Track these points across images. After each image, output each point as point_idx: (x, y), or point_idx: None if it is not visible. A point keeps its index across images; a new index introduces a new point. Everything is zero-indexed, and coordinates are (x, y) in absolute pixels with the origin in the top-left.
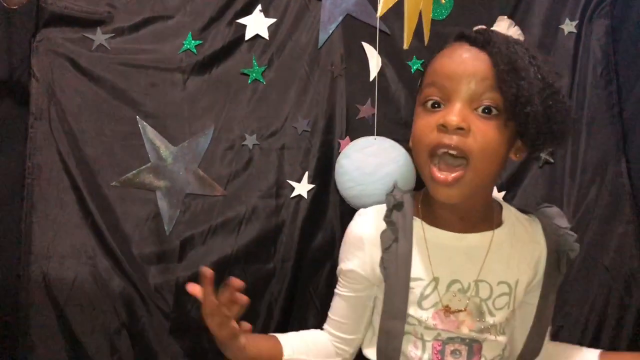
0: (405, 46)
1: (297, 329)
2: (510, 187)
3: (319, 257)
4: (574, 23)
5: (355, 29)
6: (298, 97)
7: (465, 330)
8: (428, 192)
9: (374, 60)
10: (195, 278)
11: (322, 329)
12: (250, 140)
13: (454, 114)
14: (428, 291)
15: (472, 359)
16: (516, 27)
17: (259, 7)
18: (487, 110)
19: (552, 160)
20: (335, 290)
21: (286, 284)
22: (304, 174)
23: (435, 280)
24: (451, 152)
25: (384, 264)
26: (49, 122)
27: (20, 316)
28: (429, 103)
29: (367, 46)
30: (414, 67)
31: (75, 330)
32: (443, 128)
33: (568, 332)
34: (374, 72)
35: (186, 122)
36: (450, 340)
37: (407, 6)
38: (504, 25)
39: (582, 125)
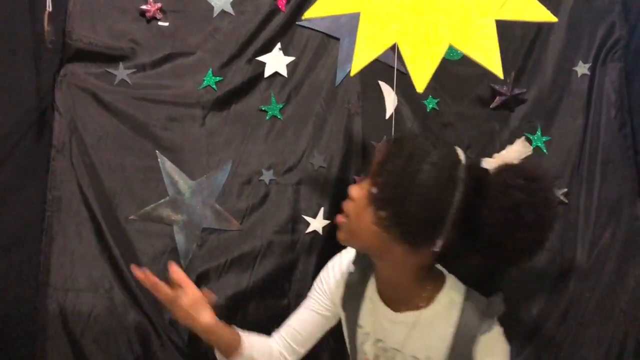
0: (420, 90)
1: None
2: None
3: None
4: (587, 65)
5: (371, 68)
6: (315, 134)
7: None
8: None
9: (391, 99)
10: None
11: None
12: (267, 176)
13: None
14: (365, 339)
15: None
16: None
17: (279, 45)
18: None
19: (566, 201)
20: (304, 304)
21: None
22: (319, 209)
23: (369, 333)
24: None
25: (343, 297)
26: (70, 155)
27: (36, 348)
28: None
29: (383, 85)
30: (430, 106)
31: None
32: None
33: None
34: (390, 110)
35: (205, 157)
36: None
37: (406, 53)
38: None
39: (596, 167)
